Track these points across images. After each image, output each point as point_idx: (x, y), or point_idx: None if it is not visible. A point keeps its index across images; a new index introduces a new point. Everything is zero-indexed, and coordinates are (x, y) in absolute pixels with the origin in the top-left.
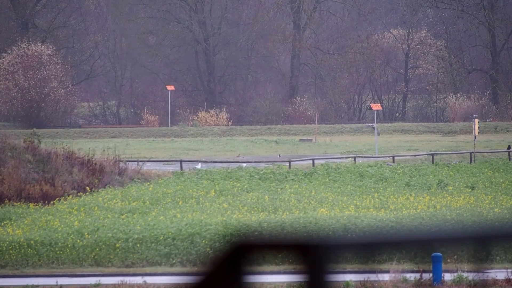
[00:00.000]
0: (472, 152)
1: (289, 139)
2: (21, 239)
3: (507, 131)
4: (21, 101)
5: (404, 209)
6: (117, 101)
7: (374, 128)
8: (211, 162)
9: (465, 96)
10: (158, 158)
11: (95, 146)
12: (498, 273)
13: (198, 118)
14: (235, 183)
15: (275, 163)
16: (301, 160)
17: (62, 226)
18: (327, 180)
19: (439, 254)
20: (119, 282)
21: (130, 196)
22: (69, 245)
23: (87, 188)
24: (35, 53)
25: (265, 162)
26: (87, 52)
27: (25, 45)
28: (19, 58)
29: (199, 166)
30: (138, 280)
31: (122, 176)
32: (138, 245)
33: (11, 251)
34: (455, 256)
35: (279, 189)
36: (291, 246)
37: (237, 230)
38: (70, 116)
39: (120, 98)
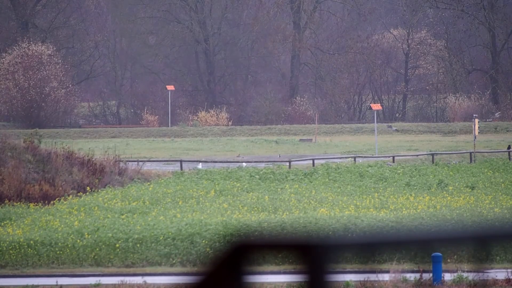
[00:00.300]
0: (472, 152)
1: (289, 139)
2: (21, 239)
3: (507, 131)
4: (21, 101)
5: (404, 209)
6: (117, 101)
7: (394, 129)
8: (211, 162)
9: (465, 96)
10: (158, 158)
11: (95, 146)
12: (498, 273)
13: (198, 118)
14: (235, 183)
15: (275, 163)
16: (301, 160)
17: (62, 226)
18: (327, 180)
19: (439, 254)
20: (119, 282)
21: (130, 196)
22: (69, 245)
23: (87, 188)
24: (35, 53)
25: (265, 162)
26: (87, 52)
27: (25, 45)
28: (19, 58)
29: (200, 166)
30: (138, 280)
31: (122, 176)
32: (138, 245)
33: (11, 251)
34: (455, 256)
35: (279, 189)
36: (291, 246)
37: (237, 230)
38: (70, 116)
39: (120, 98)
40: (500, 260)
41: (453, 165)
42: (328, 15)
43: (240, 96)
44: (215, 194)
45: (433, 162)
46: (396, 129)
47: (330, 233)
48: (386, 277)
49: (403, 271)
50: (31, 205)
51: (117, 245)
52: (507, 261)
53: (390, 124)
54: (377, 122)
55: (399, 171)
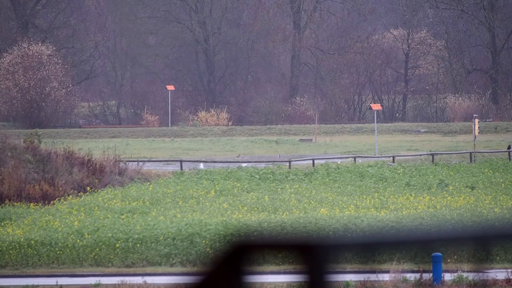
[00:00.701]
0: (472, 152)
1: (289, 139)
2: (21, 239)
3: (507, 131)
4: (21, 101)
5: (404, 209)
6: (117, 101)
7: (423, 131)
8: (211, 162)
9: (465, 96)
10: (158, 158)
11: (95, 146)
12: (498, 273)
13: (198, 118)
14: (235, 183)
15: (275, 163)
16: (301, 160)
17: (62, 226)
18: (327, 180)
19: (439, 254)
20: (119, 282)
21: (130, 196)
22: (69, 245)
23: (87, 188)
24: (35, 53)
25: (265, 162)
26: (87, 52)
27: (25, 45)
28: (19, 58)
29: (201, 166)
30: (138, 280)
31: (122, 176)
32: (138, 245)
33: (11, 251)
34: (455, 256)
35: (279, 189)
36: (291, 246)
37: (237, 230)
38: (70, 116)
39: (120, 98)
40: (500, 260)
41: (453, 165)
42: (328, 15)
43: (240, 96)
44: (215, 194)
45: (433, 162)
46: (425, 131)
47: (330, 233)
48: (386, 277)
49: (403, 271)
50: (31, 205)
51: (117, 245)
52: (507, 261)
53: (418, 128)
54: (377, 122)
55: (399, 171)
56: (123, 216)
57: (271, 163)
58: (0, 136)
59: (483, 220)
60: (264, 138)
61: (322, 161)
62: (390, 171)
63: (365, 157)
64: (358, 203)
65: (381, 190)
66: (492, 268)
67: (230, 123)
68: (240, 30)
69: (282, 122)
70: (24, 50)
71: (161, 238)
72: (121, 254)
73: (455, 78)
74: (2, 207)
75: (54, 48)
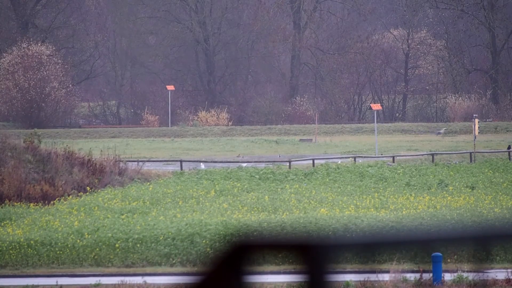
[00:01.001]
0: (472, 152)
1: (289, 139)
2: (21, 239)
3: (507, 131)
4: (21, 101)
5: (404, 209)
6: (117, 101)
7: (443, 130)
8: (211, 162)
9: (465, 96)
10: (158, 158)
11: (95, 146)
12: (498, 273)
13: (198, 118)
14: (235, 183)
15: (275, 163)
16: (301, 160)
17: (62, 226)
18: (327, 180)
19: (439, 254)
20: (119, 282)
21: (130, 196)
22: (69, 245)
23: (87, 188)
24: (35, 53)
25: (265, 162)
26: (87, 52)
27: (25, 45)
28: (19, 58)
29: (202, 166)
30: (138, 280)
31: (122, 176)
32: (138, 245)
33: (11, 251)
34: (455, 256)
35: (279, 189)
36: (291, 246)
37: (237, 230)
38: (70, 116)
39: (120, 98)
40: (500, 260)
41: (453, 165)
42: (328, 15)
43: (240, 96)
44: (215, 194)
45: (433, 162)
46: (445, 129)
47: (330, 233)
48: (386, 277)
49: (403, 271)
50: (31, 205)
51: (117, 245)
52: (507, 261)
53: (438, 129)
54: (377, 122)
55: (399, 171)
56: (123, 216)
57: (271, 163)
58: (0, 136)
59: (483, 220)
60: (264, 138)
61: (322, 161)
62: (390, 171)
63: (365, 157)
64: (358, 203)
65: (381, 190)
66: (492, 268)
67: (230, 123)
68: (240, 30)
69: (282, 122)
70: (24, 50)
71: (161, 238)
72: (121, 254)
73: (455, 78)
74: (2, 207)
75: (54, 48)
